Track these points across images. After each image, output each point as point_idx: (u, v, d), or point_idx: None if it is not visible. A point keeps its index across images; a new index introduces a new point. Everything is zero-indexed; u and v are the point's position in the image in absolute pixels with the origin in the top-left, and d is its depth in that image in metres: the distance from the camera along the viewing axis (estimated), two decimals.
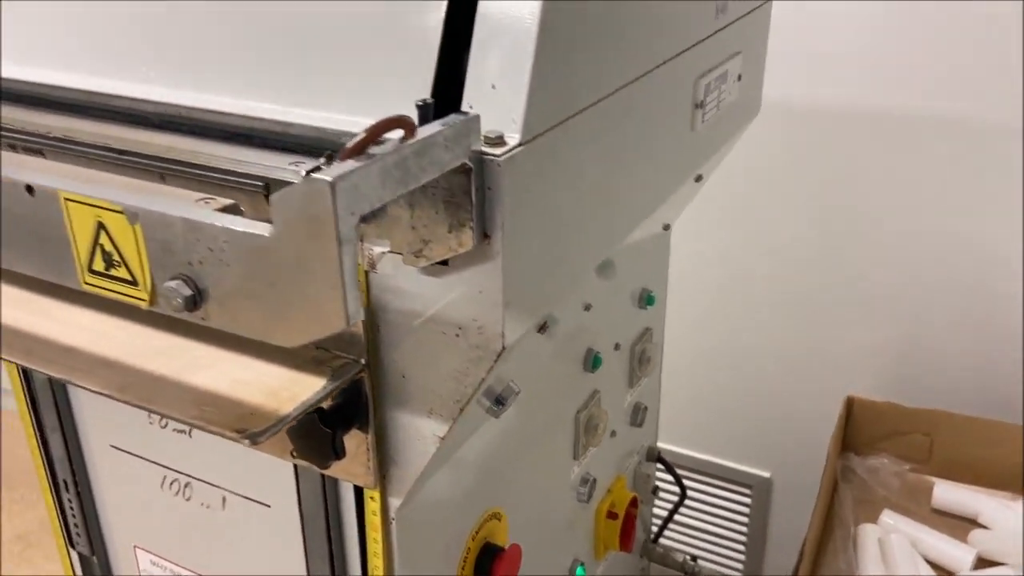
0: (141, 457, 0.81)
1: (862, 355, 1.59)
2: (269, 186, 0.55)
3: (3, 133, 0.64)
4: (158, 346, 0.63)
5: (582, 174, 0.61)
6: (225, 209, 0.49)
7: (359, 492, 0.68)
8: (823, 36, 1.37)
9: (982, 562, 1.27)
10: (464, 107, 0.55)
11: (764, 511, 1.87)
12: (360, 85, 0.58)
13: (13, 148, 0.66)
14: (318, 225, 0.42)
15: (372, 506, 0.67)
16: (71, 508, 0.87)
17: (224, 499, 0.77)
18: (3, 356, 0.60)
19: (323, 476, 0.69)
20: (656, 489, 1.30)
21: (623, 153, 0.68)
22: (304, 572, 0.73)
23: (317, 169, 0.41)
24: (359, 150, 0.44)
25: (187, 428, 0.76)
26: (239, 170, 0.55)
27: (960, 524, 1.36)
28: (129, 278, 0.50)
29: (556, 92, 0.56)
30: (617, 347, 1.05)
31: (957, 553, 1.29)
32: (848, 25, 1.35)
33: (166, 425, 0.77)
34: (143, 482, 0.81)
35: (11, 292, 0.70)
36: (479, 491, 0.78)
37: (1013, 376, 1.46)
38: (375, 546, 0.67)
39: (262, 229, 0.44)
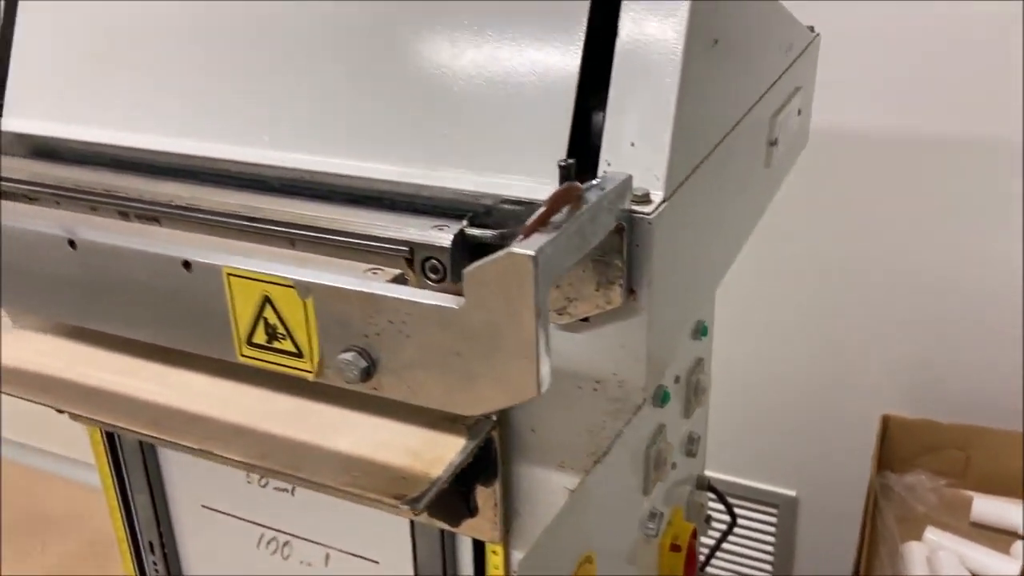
0: (236, 517, 0.80)
1: (884, 373, 1.61)
2: (414, 250, 0.55)
3: (121, 201, 0.64)
4: (283, 409, 0.63)
5: (700, 221, 0.63)
6: (395, 279, 0.50)
7: (478, 545, 0.68)
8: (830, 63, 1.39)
9: None
10: (601, 164, 0.55)
11: (791, 530, 1.88)
12: (488, 144, 0.58)
13: (125, 216, 0.66)
14: (517, 297, 0.42)
15: (495, 560, 0.67)
16: (155, 571, 0.86)
17: (327, 556, 0.77)
18: (132, 430, 0.60)
19: (441, 530, 0.69)
20: (709, 518, 1.30)
21: (725, 197, 0.69)
22: None
23: (502, 238, 0.42)
24: (544, 221, 0.44)
25: (289, 486, 0.76)
26: (379, 234, 0.56)
27: (1001, 537, 1.39)
28: (294, 350, 0.50)
29: (687, 145, 0.57)
30: (677, 379, 1.06)
31: (1002, 566, 1.31)
32: (852, 52, 1.37)
33: (266, 484, 0.77)
34: (237, 542, 0.81)
35: (106, 357, 0.70)
36: (577, 535, 0.79)
37: None
38: None
39: (451, 301, 0.44)
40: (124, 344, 0.67)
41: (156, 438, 0.60)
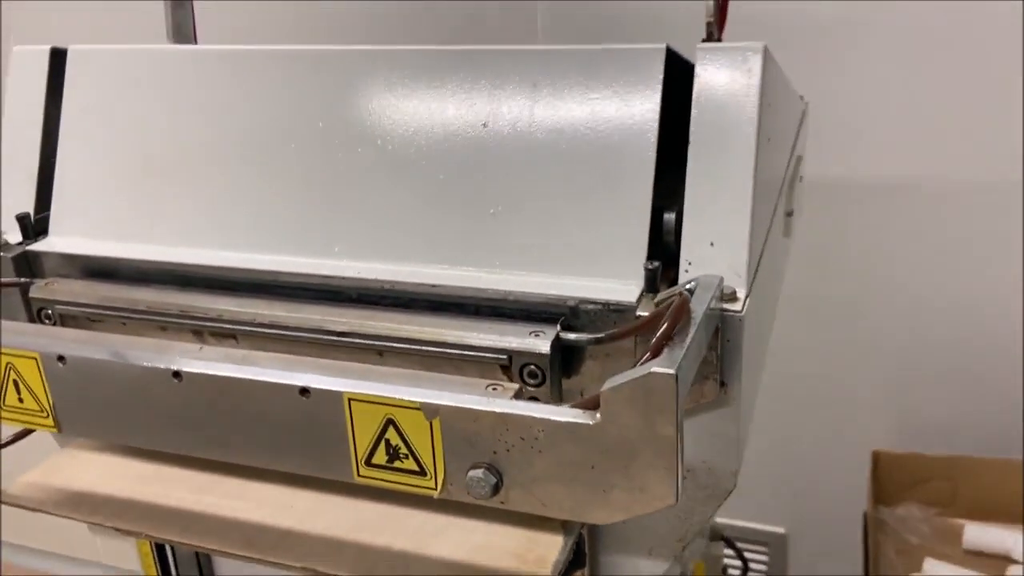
0: None
1: (869, 409, 1.67)
2: (512, 358, 0.57)
3: (196, 320, 0.64)
4: (370, 517, 0.64)
5: (766, 307, 0.66)
6: (516, 395, 0.51)
7: None
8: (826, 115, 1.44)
9: None
10: (682, 264, 0.58)
11: (782, 567, 1.91)
12: (566, 247, 0.61)
13: (199, 334, 0.66)
14: (658, 412, 0.44)
15: None
16: None
17: None
18: (228, 552, 0.60)
19: None
20: (726, 568, 1.33)
21: (772, 277, 0.73)
22: None
23: (596, 342, 0.44)
24: (669, 336, 0.47)
25: None
26: (476, 343, 0.58)
27: (994, 562, 1.44)
28: (416, 469, 0.51)
29: (755, 239, 0.60)
30: None
31: None
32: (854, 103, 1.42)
33: None
34: None
35: (175, 473, 0.70)
36: None
37: (1014, 415, 1.56)
38: None
39: (586, 417, 0.46)
40: (190, 458, 0.67)
41: (254, 559, 0.60)
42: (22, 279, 0.72)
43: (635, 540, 0.64)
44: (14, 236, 0.75)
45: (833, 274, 1.60)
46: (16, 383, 0.60)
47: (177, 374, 0.55)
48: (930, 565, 1.43)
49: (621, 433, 0.46)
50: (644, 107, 0.59)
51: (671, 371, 0.44)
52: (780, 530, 1.90)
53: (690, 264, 0.58)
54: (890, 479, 1.58)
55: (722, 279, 0.55)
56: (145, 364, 0.56)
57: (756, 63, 0.58)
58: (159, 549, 0.82)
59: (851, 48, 1.29)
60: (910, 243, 1.48)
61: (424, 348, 0.59)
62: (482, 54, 0.64)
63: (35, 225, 0.75)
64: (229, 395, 0.54)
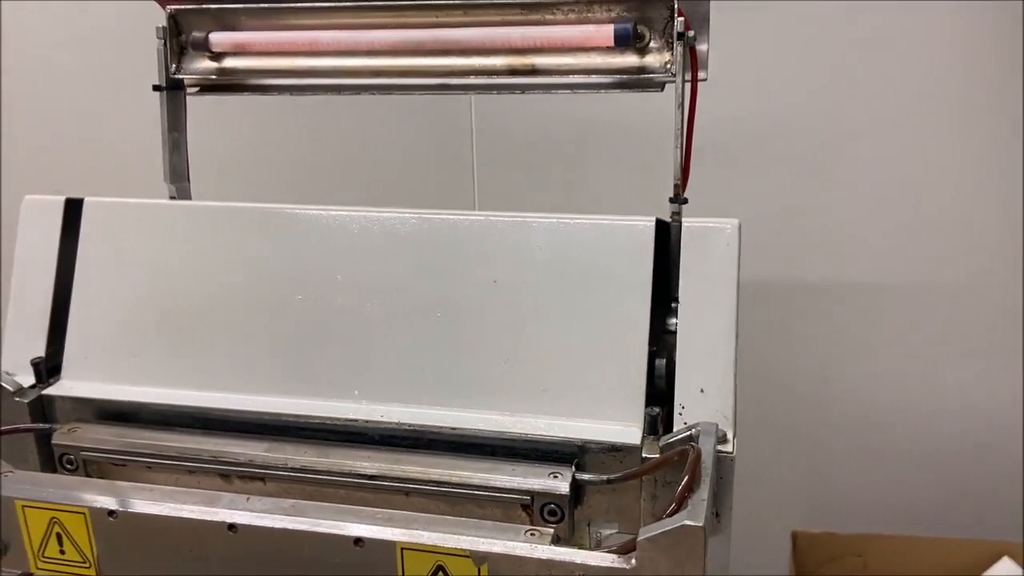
0: None
1: (786, 492, 1.79)
2: (534, 498, 0.64)
3: (225, 465, 0.69)
4: None
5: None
6: (554, 540, 0.58)
7: None
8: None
9: None
10: (676, 407, 0.67)
11: None
12: (573, 394, 0.69)
13: (226, 477, 0.71)
14: (688, 559, 0.52)
15: None
16: None
17: None
18: None
19: None
20: None
21: None
22: None
23: (608, 482, 0.52)
24: (690, 488, 0.55)
25: None
26: (502, 485, 0.64)
27: None
28: None
29: (736, 384, 0.69)
30: None
31: None
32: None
33: None
34: None
35: None
36: None
37: (922, 493, 1.71)
38: None
39: (623, 562, 0.54)
40: None
41: None
42: (41, 424, 0.74)
43: None
44: (25, 379, 0.77)
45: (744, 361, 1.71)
46: (59, 536, 0.64)
47: (232, 527, 0.59)
48: None
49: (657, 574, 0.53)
50: (639, 273, 0.69)
51: (700, 524, 0.52)
52: None
53: (683, 408, 0.67)
54: (808, 557, 1.69)
55: (717, 426, 0.63)
56: (199, 518, 0.60)
57: (734, 237, 0.68)
58: None
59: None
60: (815, 333, 1.58)
61: (451, 490, 0.66)
62: (492, 222, 0.72)
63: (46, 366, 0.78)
64: (285, 546, 0.59)
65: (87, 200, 0.81)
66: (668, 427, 0.67)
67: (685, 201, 0.76)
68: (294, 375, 0.74)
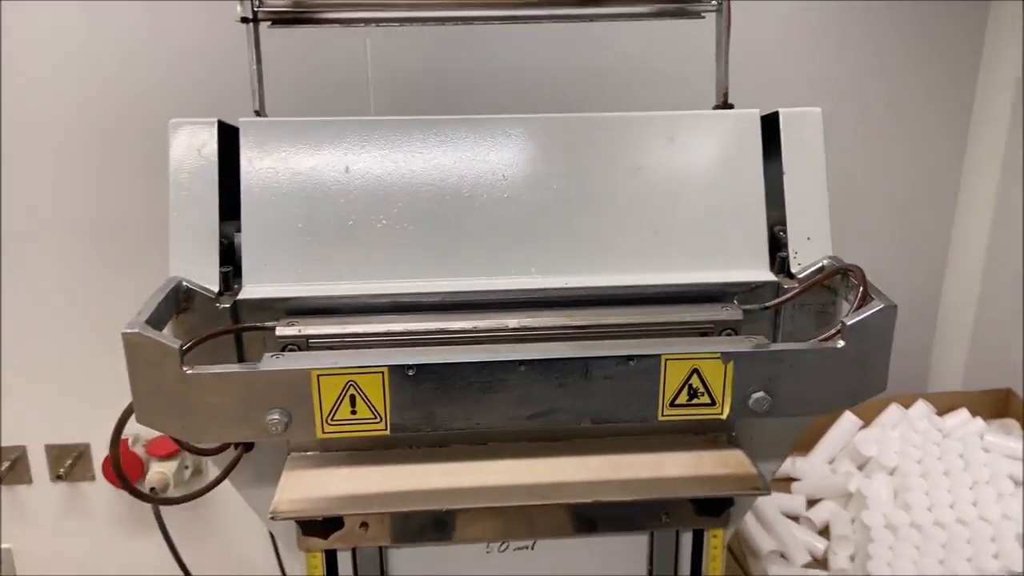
0: None
1: None
2: (716, 325, 0.82)
3: (454, 335, 0.80)
4: (605, 464, 0.84)
5: None
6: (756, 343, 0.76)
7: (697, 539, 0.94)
8: None
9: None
10: (791, 253, 0.87)
11: None
12: (712, 253, 0.87)
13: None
14: (879, 338, 0.73)
15: (714, 542, 0.93)
16: None
17: None
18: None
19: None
20: None
21: None
22: None
23: (763, 309, 0.73)
24: (867, 292, 0.76)
25: (529, 543, 0.94)
26: (696, 320, 0.82)
27: None
28: (709, 402, 0.74)
29: None
30: None
31: None
32: None
33: (505, 549, 0.94)
34: None
35: (393, 469, 0.84)
36: None
37: None
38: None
39: (833, 343, 0.74)
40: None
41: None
42: (265, 323, 0.80)
43: (764, 450, 0.90)
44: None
45: None
46: (353, 398, 0.72)
47: (523, 363, 0.72)
48: None
49: (857, 352, 0.74)
50: (752, 152, 0.88)
51: (893, 303, 0.73)
52: None
53: (796, 252, 0.88)
54: None
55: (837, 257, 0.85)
56: (493, 359, 0.72)
57: (818, 119, 0.89)
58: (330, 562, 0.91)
59: None
60: None
61: (652, 328, 0.82)
62: (630, 118, 0.89)
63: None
64: (568, 368, 0.73)
65: (243, 121, 0.86)
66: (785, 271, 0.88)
67: (731, 106, 0.97)
68: (477, 259, 0.85)
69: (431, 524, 0.85)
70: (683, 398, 0.75)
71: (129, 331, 0.69)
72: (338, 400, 0.72)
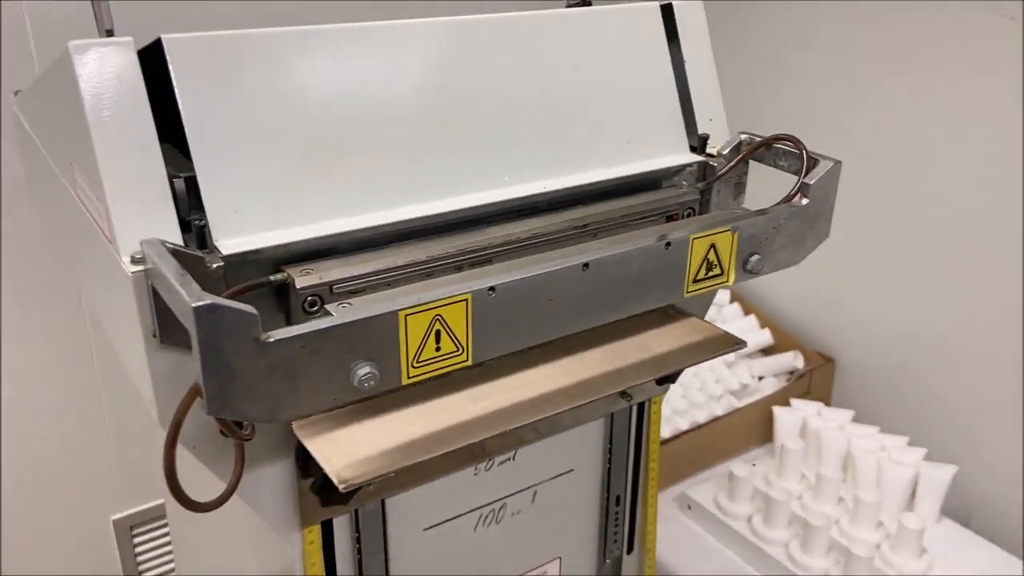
0: (452, 519, 0.92)
1: None
2: (678, 208, 0.88)
3: (456, 258, 0.77)
4: (598, 358, 0.87)
5: None
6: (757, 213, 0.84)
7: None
8: None
9: None
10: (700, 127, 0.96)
11: None
12: (644, 139, 0.93)
13: (459, 268, 0.77)
14: (831, 190, 0.86)
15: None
16: None
17: (534, 494, 0.97)
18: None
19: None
20: None
21: None
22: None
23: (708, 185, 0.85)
24: (812, 157, 0.87)
25: (512, 454, 0.94)
26: (660, 206, 0.87)
27: None
28: (719, 272, 0.81)
29: None
30: None
31: None
32: None
33: (491, 466, 0.93)
34: (457, 535, 0.93)
35: (425, 407, 0.79)
36: None
37: None
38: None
39: (800, 202, 0.85)
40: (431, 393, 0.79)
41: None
42: (275, 276, 0.68)
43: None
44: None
45: None
46: (438, 333, 0.67)
47: (586, 265, 0.72)
48: None
49: (817, 207, 0.85)
50: (659, 43, 0.94)
51: (839, 160, 0.85)
52: None
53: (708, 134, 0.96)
54: None
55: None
56: (561, 267, 0.71)
57: (702, 10, 0.97)
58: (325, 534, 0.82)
59: None
60: None
61: (635, 216, 0.86)
62: (566, 13, 0.88)
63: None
64: (619, 266, 0.74)
65: (167, 38, 0.70)
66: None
67: (589, 3, 1.02)
68: (455, 175, 0.81)
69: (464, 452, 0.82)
70: (703, 273, 0.81)
71: (200, 303, 0.56)
72: (424, 338, 0.66)
